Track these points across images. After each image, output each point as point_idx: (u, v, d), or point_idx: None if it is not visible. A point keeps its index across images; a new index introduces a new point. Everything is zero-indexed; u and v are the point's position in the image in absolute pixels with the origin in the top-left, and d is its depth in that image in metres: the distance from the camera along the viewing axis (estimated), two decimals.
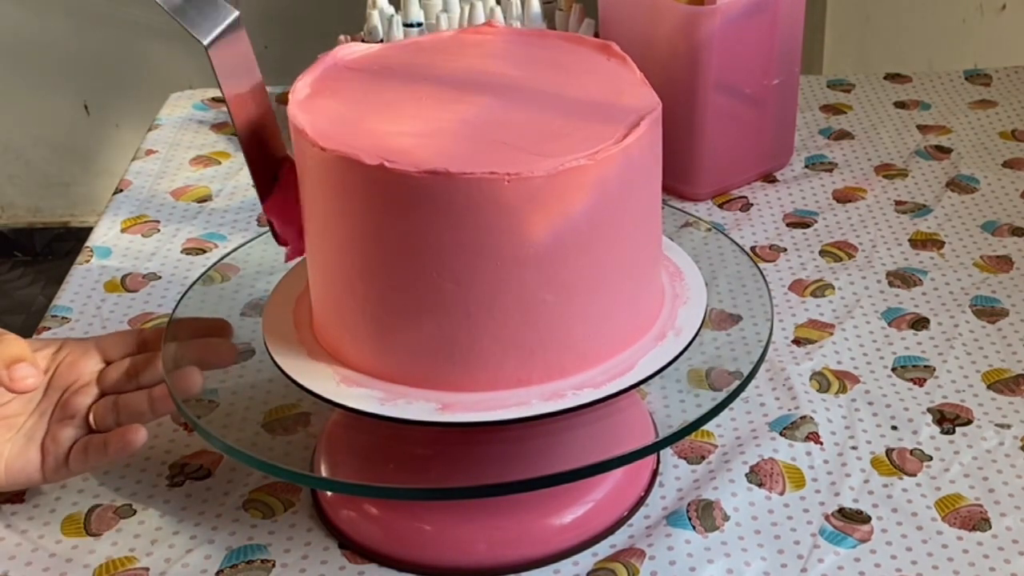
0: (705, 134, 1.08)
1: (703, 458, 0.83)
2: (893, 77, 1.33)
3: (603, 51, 0.75)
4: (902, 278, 1.00)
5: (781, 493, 0.80)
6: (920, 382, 0.89)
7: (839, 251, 1.04)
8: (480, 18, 1.14)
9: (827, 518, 0.77)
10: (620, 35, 1.09)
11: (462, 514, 0.75)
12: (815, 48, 2.07)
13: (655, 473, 0.81)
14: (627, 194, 0.68)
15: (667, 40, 1.05)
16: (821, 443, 0.83)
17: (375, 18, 1.17)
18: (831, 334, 0.94)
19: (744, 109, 1.11)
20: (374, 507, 0.76)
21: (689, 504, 0.79)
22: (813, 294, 0.99)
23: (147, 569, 0.76)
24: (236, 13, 0.70)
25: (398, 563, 0.75)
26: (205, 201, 1.15)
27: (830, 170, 1.16)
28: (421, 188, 0.64)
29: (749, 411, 0.86)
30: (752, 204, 1.11)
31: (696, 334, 0.74)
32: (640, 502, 0.79)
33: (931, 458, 0.82)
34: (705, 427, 0.81)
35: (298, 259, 0.78)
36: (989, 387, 0.88)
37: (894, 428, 0.85)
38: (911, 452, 0.83)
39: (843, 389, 0.88)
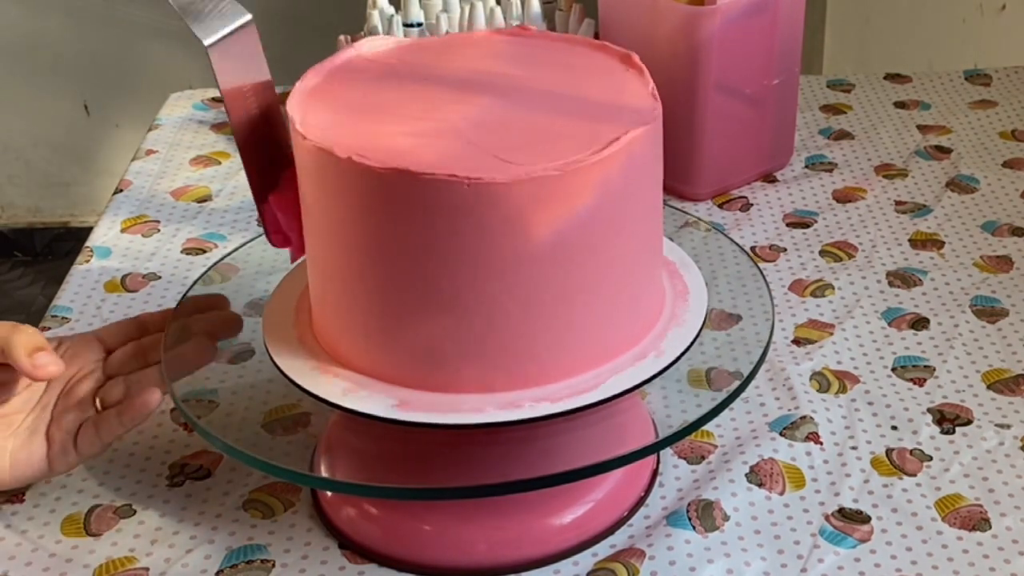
0: (705, 134, 1.08)
1: (703, 458, 0.83)
2: (893, 77, 1.33)
3: (624, 62, 0.75)
4: (902, 278, 1.00)
5: (781, 493, 0.80)
6: (920, 382, 0.89)
7: (839, 251, 1.04)
8: (480, 18, 1.14)
9: (827, 518, 0.77)
10: (620, 35, 1.09)
11: (462, 514, 0.75)
12: (815, 48, 2.07)
13: (655, 473, 0.81)
14: (627, 197, 0.68)
15: (667, 40, 1.05)
16: (821, 443, 0.83)
17: (375, 18, 1.17)
18: (831, 334, 0.94)
19: (744, 109, 1.11)
20: (374, 507, 0.76)
21: (689, 504, 0.79)
22: (813, 294, 0.99)
23: (147, 569, 0.76)
24: (247, 16, 0.70)
25: (398, 563, 0.75)
26: (205, 201, 1.15)
27: (830, 170, 1.16)
28: (420, 190, 0.64)
29: (749, 411, 0.86)
30: (752, 204, 1.11)
31: (698, 333, 0.74)
32: (640, 502, 0.79)
33: (931, 458, 0.82)
34: (705, 427, 0.81)
35: (300, 260, 0.78)
36: (989, 387, 0.88)
37: (894, 428, 0.85)
38: (911, 452, 0.83)
39: (843, 389, 0.88)
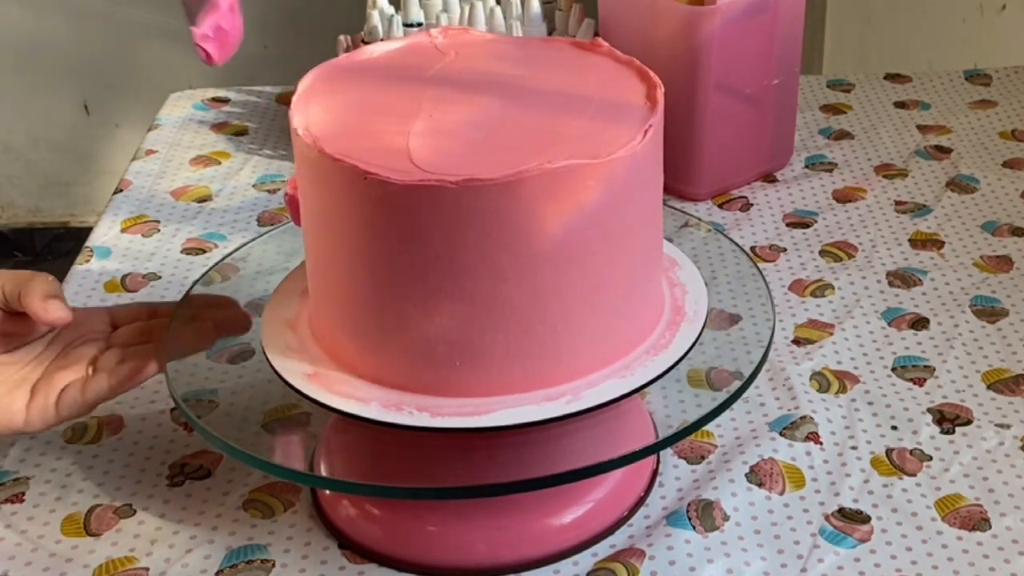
0: (705, 134, 1.08)
1: (703, 458, 0.83)
2: (893, 77, 1.33)
3: (625, 64, 0.75)
4: (902, 278, 1.00)
5: (781, 493, 0.80)
6: (920, 382, 0.89)
7: (839, 251, 1.04)
8: (480, 18, 1.14)
9: (827, 518, 0.77)
10: (620, 35, 1.09)
11: (462, 514, 0.75)
12: (815, 48, 2.06)
13: (655, 473, 0.81)
14: (629, 199, 0.68)
15: (667, 40, 1.05)
16: (821, 443, 0.83)
17: (375, 18, 1.17)
18: (831, 334, 0.94)
19: (744, 109, 1.11)
20: (374, 507, 0.76)
21: (689, 504, 0.79)
22: (813, 294, 0.99)
23: (147, 569, 0.76)
24: None
25: (398, 563, 0.75)
26: (205, 201, 1.15)
27: (830, 170, 1.16)
28: (420, 192, 0.64)
29: (749, 411, 0.86)
30: (752, 204, 1.11)
31: (700, 332, 0.74)
32: (640, 502, 0.79)
33: (931, 458, 0.82)
34: (705, 427, 0.81)
35: (299, 262, 0.78)
36: (989, 387, 0.88)
37: (894, 428, 0.85)
38: (911, 452, 0.83)
39: (843, 389, 0.88)
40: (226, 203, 1.14)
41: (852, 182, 1.14)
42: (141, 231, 1.11)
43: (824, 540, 0.76)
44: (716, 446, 0.83)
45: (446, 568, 0.75)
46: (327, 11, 2.23)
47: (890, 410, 0.86)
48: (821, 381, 0.89)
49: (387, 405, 0.68)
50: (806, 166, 1.17)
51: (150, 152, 1.24)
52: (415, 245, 0.65)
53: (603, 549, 0.76)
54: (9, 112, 2.46)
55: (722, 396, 0.72)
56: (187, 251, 1.07)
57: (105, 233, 1.10)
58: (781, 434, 0.84)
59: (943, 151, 1.19)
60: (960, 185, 1.13)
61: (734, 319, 0.82)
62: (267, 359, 0.73)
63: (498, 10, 1.16)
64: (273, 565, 0.75)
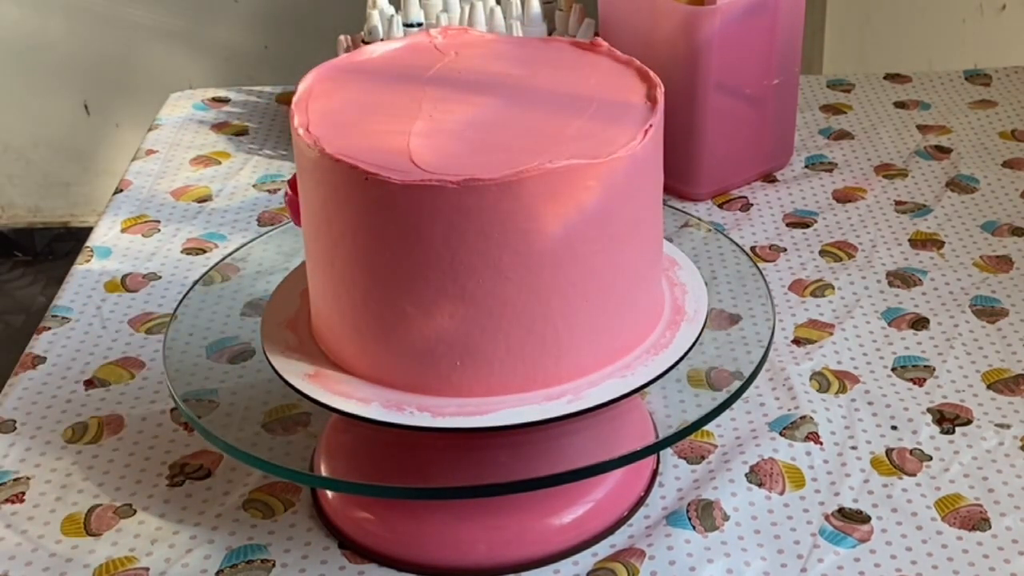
0: (705, 134, 1.08)
1: (703, 458, 0.83)
2: (893, 77, 1.33)
3: (625, 64, 0.75)
4: (902, 278, 1.00)
5: (781, 493, 0.80)
6: (920, 382, 0.89)
7: (839, 251, 1.04)
8: (480, 18, 1.14)
9: (827, 518, 0.77)
10: (620, 35, 1.09)
11: (462, 514, 0.75)
12: (815, 48, 2.06)
13: (655, 473, 0.81)
14: (630, 200, 0.68)
15: (667, 40, 1.05)
16: (821, 443, 0.83)
17: (375, 18, 1.17)
18: (831, 334, 0.94)
19: (744, 109, 1.11)
20: (374, 507, 0.76)
21: (689, 504, 0.79)
22: (813, 294, 0.99)
23: (147, 569, 0.76)
24: None
25: (398, 563, 0.75)
26: (205, 201, 1.15)
27: (830, 170, 1.16)
28: (420, 193, 0.64)
29: (749, 411, 0.86)
30: (752, 204, 1.11)
31: (700, 332, 0.74)
32: (640, 502, 0.79)
33: (931, 458, 0.82)
34: (705, 427, 0.81)
35: (300, 262, 0.78)
36: (989, 387, 0.88)
37: (894, 428, 0.85)
38: (911, 452, 0.83)
39: (843, 389, 0.88)
40: (226, 203, 1.14)
41: (852, 182, 1.14)
42: (141, 231, 1.11)
43: (824, 540, 0.76)
44: (716, 446, 0.83)
45: (446, 568, 0.75)
46: (327, 11, 2.23)
47: (890, 410, 0.86)
48: (821, 381, 0.89)
49: (388, 405, 0.68)
50: (806, 166, 1.17)
51: (150, 152, 1.24)
52: (415, 245, 0.65)
53: (603, 549, 0.76)
54: (9, 112, 2.46)
55: (722, 396, 0.72)
56: (187, 251, 1.07)
57: (105, 233, 1.10)
58: (781, 434, 0.84)
59: (943, 151, 1.19)
60: (960, 185, 1.13)
61: (734, 319, 0.82)
62: (267, 359, 0.73)
63: (498, 10, 1.16)
64: (273, 565, 0.75)
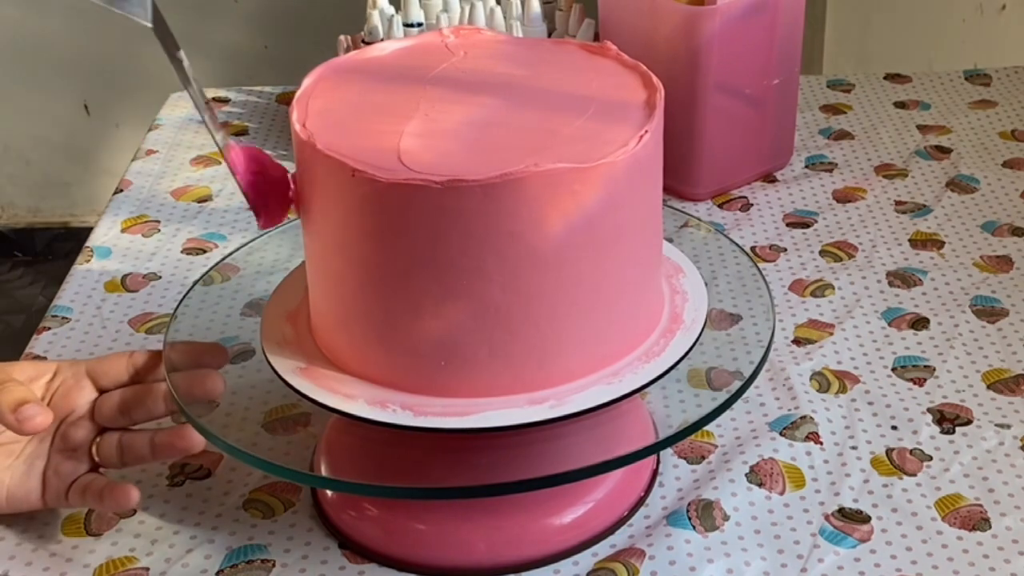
0: (705, 134, 1.08)
1: (703, 458, 0.83)
2: (893, 77, 1.33)
3: (626, 65, 0.75)
4: (902, 278, 1.00)
5: (781, 493, 0.80)
6: (920, 382, 0.89)
7: (839, 251, 1.04)
8: (480, 18, 1.14)
9: (827, 518, 0.77)
10: (620, 35, 1.09)
11: (462, 514, 0.75)
12: (815, 48, 2.06)
13: (655, 473, 0.81)
14: (630, 199, 0.68)
15: (667, 40, 1.05)
16: (821, 443, 0.83)
17: (375, 18, 1.17)
18: (831, 334, 0.94)
19: (744, 109, 1.11)
20: (374, 507, 0.76)
21: (689, 504, 0.79)
22: (813, 294, 0.99)
23: (147, 569, 0.76)
24: None
25: (398, 563, 0.75)
26: (205, 201, 1.15)
27: (830, 170, 1.16)
28: (420, 194, 0.64)
29: (749, 411, 0.86)
30: (752, 204, 1.11)
31: (694, 342, 0.74)
32: (640, 502, 0.79)
33: (931, 458, 0.82)
34: (705, 427, 0.81)
35: (300, 262, 0.77)
36: (989, 387, 0.88)
37: (894, 428, 0.85)
38: (911, 452, 0.83)
39: (843, 389, 0.88)
40: (226, 203, 1.14)
41: (852, 182, 1.14)
42: (141, 231, 1.11)
43: (824, 540, 0.76)
44: (716, 446, 0.83)
45: (446, 568, 0.75)
46: (327, 11, 2.23)
47: (890, 410, 0.86)
48: (821, 381, 0.89)
49: (372, 402, 0.68)
50: (806, 166, 1.17)
51: (150, 152, 1.24)
52: (401, 243, 0.65)
53: (603, 549, 0.76)
54: (9, 112, 2.46)
55: (722, 396, 0.72)
56: (187, 251, 1.07)
57: (105, 233, 1.10)
58: (781, 434, 0.84)
59: (943, 151, 1.19)
60: (960, 185, 1.13)
61: (734, 319, 0.82)
62: (263, 352, 0.73)
63: (498, 10, 1.16)
64: (273, 565, 0.76)
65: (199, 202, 1.15)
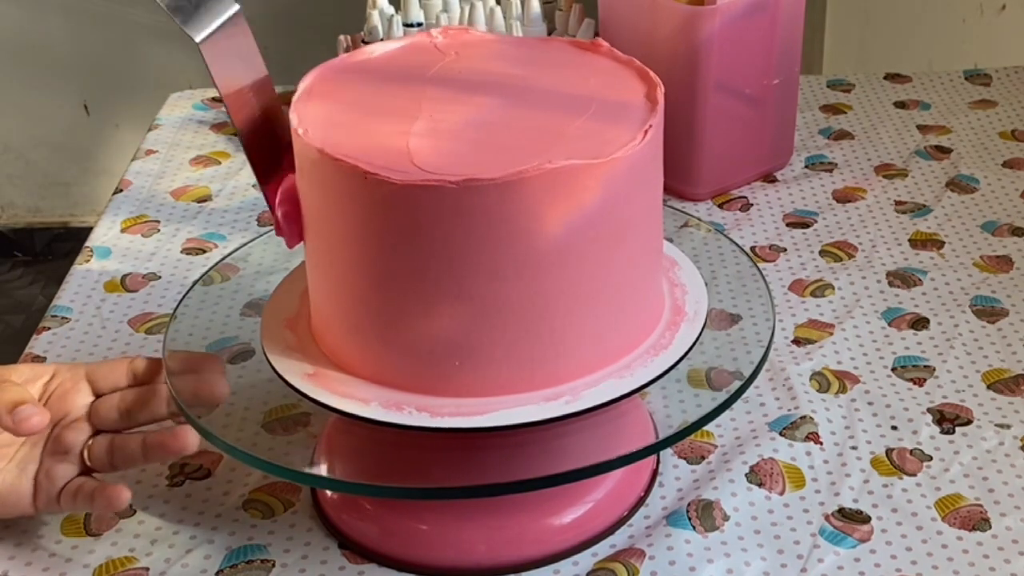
0: (705, 134, 1.08)
1: (703, 458, 0.83)
2: (893, 77, 1.33)
3: (625, 64, 0.75)
4: (902, 278, 1.00)
5: (781, 493, 0.80)
6: (920, 382, 0.89)
7: (839, 251, 1.04)
8: (480, 18, 1.14)
9: (827, 518, 0.77)
10: (620, 35, 1.09)
11: (462, 514, 0.75)
12: (815, 48, 2.06)
13: (655, 473, 0.81)
14: (631, 198, 0.68)
15: (667, 40, 1.05)
16: (821, 443, 0.83)
17: (375, 18, 1.17)
18: (831, 334, 0.94)
19: (744, 109, 1.11)
20: (373, 507, 0.76)
21: (689, 504, 0.79)
22: (813, 294, 0.99)
23: (147, 569, 0.76)
24: (236, 7, 0.69)
25: (398, 563, 0.75)
26: (205, 201, 1.15)
27: (830, 170, 1.16)
28: (420, 194, 0.64)
29: (749, 411, 0.86)
30: (752, 204, 1.11)
31: (700, 332, 0.74)
32: (640, 502, 0.79)
33: (931, 458, 0.82)
34: (705, 427, 0.81)
35: (299, 262, 0.77)
36: (989, 387, 0.88)
37: (894, 428, 0.85)
38: (911, 452, 0.83)
39: (843, 389, 0.88)
40: (226, 203, 1.14)
41: (852, 182, 1.14)
42: (141, 231, 1.11)
43: (824, 540, 0.76)
44: (716, 446, 0.83)
45: (446, 568, 0.75)
46: (327, 11, 2.23)
47: (890, 410, 0.86)
48: (821, 381, 0.89)
49: (387, 405, 0.68)
50: (806, 166, 1.17)
51: (150, 152, 1.24)
52: (415, 245, 0.65)
53: (603, 549, 0.76)
54: (9, 112, 2.46)
55: (722, 396, 0.72)
56: (187, 251, 1.07)
57: (105, 233, 1.10)
58: (781, 434, 0.84)
59: (943, 151, 1.19)
60: (960, 185, 1.13)
61: (734, 319, 0.82)
62: (267, 359, 0.73)
63: (498, 10, 1.16)
64: (273, 565, 0.76)
65: (199, 202, 1.15)
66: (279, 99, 0.74)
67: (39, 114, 2.46)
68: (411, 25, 1.17)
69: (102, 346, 0.95)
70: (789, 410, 0.86)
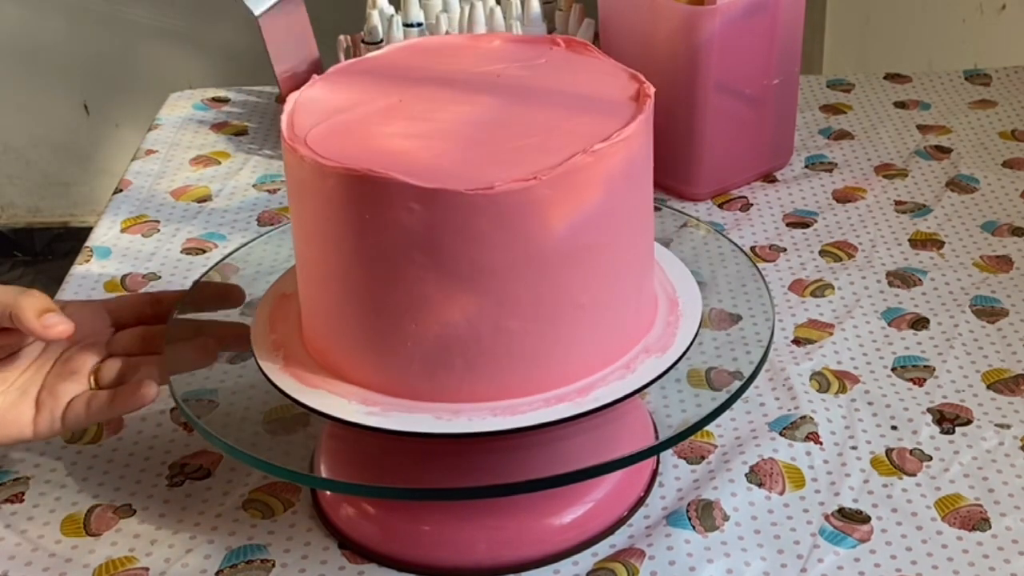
0: (705, 134, 1.08)
1: (703, 458, 0.83)
2: (893, 77, 1.33)
3: (624, 72, 0.75)
4: (902, 278, 1.00)
5: (781, 493, 0.80)
6: (920, 382, 0.89)
7: (839, 251, 1.04)
8: (480, 18, 1.14)
9: (827, 518, 0.77)
10: (620, 35, 1.09)
11: (462, 514, 0.75)
12: (815, 48, 2.06)
13: (655, 473, 0.81)
14: (624, 198, 0.68)
15: (667, 40, 1.05)
16: (821, 443, 0.83)
17: (375, 18, 1.17)
18: (831, 334, 0.94)
19: (744, 109, 1.11)
20: (374, 507, 0.76)
21: (689, 504, 0.79)
22: (813, 294, 0.99)
23: (147, 569, 0.76)
24: None
25: (398, 563, 0.75)
26: (205, 201, 1.15)
27: (830, 170, 1.16)
28: (417, 195, 0.64)
29: (749, 411, 0.86)
30: (752, 204, 1.11)
31: (699, 326, 0.74)
32: (640, 502, 0.79)
33: (931, 458, 0.82)
34: (705, 427, 0.81)
35: (292, 264, 0.77)
36: (989, 387, 0.88)
37: (894, 428, 0.85)
38: (911, 452, 0.83)
39: (843, 389, 0.88)
40: (226, 203, 1.14)
41: (852, 182, 1.14)
42: (141, 231, 1.11)
43: (824, 540, 0.76)
44: (716, 446, 0.83)
45: (446, 568, 0.75)
46: (327, 11, 2.23)
47: (890, 410, 0.86)
48: (821, 381, 0.89)
49: (392, 411, 0.68)
50: (806, 166, 1.17)
51: (150, 152, 1.24)
52: (418, 249, 0.65)
53: (603, 549, 0.76)
54: (9, 112, 2.46)
55: (722, 396, 0.72)
56: (187, 251, 1.07)
57: (105, 233, 1.10)
58: (781, 434, 0.84)
59: (943, 151, 1.19)
60: (960, 185, 1.13)
61: (734, 319, 0.82)
62: (259, 368, 0.73)
63: (498, 10, 1.16)
64: (273, 565, 0.76)
65: (199, 202, 1.15)
66: None
67: (39, 114, 2.46)
68: (411, 25, 1.17)
69: None
70: (789, 410, 0.86)
